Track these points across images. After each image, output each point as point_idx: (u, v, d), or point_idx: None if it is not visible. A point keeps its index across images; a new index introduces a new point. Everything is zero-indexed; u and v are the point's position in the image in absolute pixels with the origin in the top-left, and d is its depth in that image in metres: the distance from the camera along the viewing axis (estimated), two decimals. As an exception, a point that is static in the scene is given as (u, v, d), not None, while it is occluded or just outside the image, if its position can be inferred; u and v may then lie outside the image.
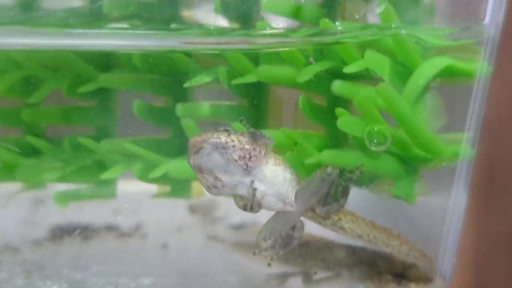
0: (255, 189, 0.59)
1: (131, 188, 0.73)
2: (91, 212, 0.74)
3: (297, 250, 0.70)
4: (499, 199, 1.11)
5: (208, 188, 0.59)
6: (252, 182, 0.59)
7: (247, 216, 0.68)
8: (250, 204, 0.60)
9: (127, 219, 0.77)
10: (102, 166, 0.70)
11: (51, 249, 0.74)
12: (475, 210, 1.11)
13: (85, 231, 0.75)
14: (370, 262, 0.71)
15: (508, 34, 0.67)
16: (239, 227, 0.78)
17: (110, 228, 0.78)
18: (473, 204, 1.10)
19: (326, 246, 0.71)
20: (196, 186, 0.72)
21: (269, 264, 0.64)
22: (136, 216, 0.77)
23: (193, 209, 0.79)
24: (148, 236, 0.78)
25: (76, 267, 0.73)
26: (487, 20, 0.65)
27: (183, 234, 0.77)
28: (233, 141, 0.58)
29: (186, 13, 0.66)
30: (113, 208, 0.75)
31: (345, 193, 0.63)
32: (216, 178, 0.58)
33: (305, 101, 0.65)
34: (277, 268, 0.70)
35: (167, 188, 0.72)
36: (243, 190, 0.60)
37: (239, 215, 0.74)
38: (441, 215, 0.70)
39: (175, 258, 0.75)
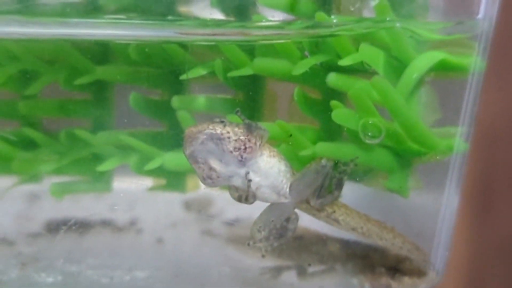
0: (250, 181, 0.60)
1: (128, 184, 0.73)
2: (87, 207, 0.74)
3: (291, 243, 0.70)
4: (494, 205, 1.11)
5: (203, 179, 0.60)
6: (247, 173, 0.60)
7: (242, 212, 0.68)
8: (245, 195, 0.61)
9: (123, 215, 0.77)
10: (98, 158, 0.71)
11: (47, 242, 0.74)
12: (471, 216, 1.11)
13: (81, 226, 0.75)
14: (363, 255, 0.71)
15: (502, 30, 0.68)
16: (233, 223, 0.78)
17: (106, 223, 0.78)
18: (469, 210, 1.10)
19: (320, 239, 0.71)
20: (191, 180, 0.73)
21: (263, 256, 0.64)
22: (132, 212, 0.77)
23: (188, 206, 0.80)
24: (143, 231, 0.78)
25: (71, 260, 0.73)
26: (481, 14, 0.66)
27: (178, 229, 0.77)
28: (228, 132, 0.58)
29: (183, 9, 0.66)
30: (109, 203, 0.75)
31: (339, 185, 0.64)
32: (211, 168, 0.59)
33: (300, 94, 0.65)
34: (271, 262, 0.71)
35: (162, 182, 0.73)
36: (238, 182, 0.60)
37: (234, 212, 0.74)
38: (435, 209, 0.70)
39: (170, 252, 0.75)
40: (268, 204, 0.63)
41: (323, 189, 0.63)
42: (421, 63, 0.64)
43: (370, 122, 0.63)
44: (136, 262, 0.73)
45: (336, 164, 0.63)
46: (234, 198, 0.62)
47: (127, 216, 0.78)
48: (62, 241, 0.74)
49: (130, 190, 0.74)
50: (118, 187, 0.74)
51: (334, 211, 0.65)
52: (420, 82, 0.65)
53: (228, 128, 0.58)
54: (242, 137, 0.58)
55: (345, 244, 0.71)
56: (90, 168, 0.71)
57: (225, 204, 0.74)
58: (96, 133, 0.70)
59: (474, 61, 0.67)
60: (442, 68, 0.65)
